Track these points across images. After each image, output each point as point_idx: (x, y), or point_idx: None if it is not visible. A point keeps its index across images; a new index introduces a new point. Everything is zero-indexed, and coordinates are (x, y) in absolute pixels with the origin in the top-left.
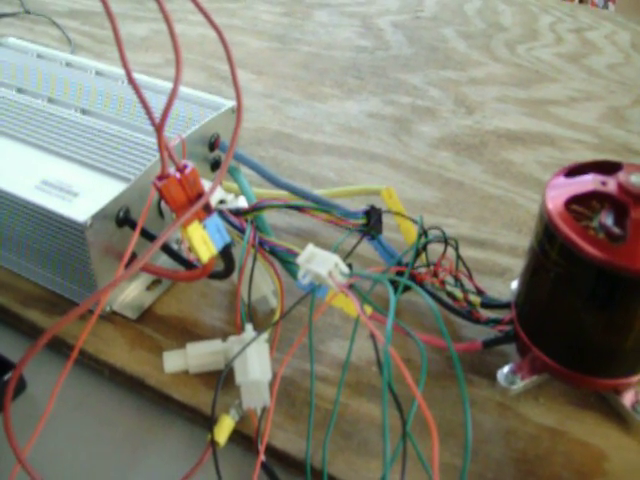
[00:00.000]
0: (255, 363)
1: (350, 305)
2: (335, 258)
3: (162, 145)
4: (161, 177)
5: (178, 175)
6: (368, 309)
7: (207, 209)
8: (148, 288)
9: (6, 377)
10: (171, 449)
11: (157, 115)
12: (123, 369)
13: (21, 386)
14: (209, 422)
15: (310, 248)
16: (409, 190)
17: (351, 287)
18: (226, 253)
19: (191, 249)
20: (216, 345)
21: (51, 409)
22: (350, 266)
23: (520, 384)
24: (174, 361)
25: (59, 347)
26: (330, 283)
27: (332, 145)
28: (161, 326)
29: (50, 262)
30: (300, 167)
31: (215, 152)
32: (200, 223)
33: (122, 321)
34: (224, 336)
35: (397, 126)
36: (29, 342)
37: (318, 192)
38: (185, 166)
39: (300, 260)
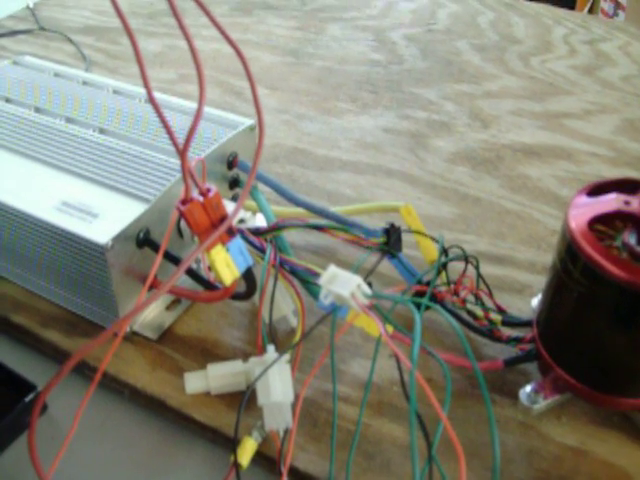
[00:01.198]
0: (277, 384)
1: (372, 325)
2: (357, 279)
3: (186, 169)
4: (184, 201)
5: (201, 199)
6: (389, 328)
7: (230, 232)
8: (168, 308)
9: (27, 399)
10: (193, 471)
11: (177, 136)
12: (144, 390)
13: (42, 408)
14: (231, 443)
15: (332, 269)
16: (426, 206)
17: (372, 307)
18: (248, 275)
19: (214, 272)
20: (237, 366)
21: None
22: (370, 285)
23: (542, 403)
24: (195, 382)
25: (80, 368)
26: (353, 304)
27: (348, 161)
28: (181, 346)
29: (70, 283)
30: (317, 183)
31: (233, 170)
32: (223, 246)
33: (142, 341)
34: (244, 356)
35: (413, 141)
36: (49, 363)
37: (335, 209)
38: (209, 190)
39: (322, 281)
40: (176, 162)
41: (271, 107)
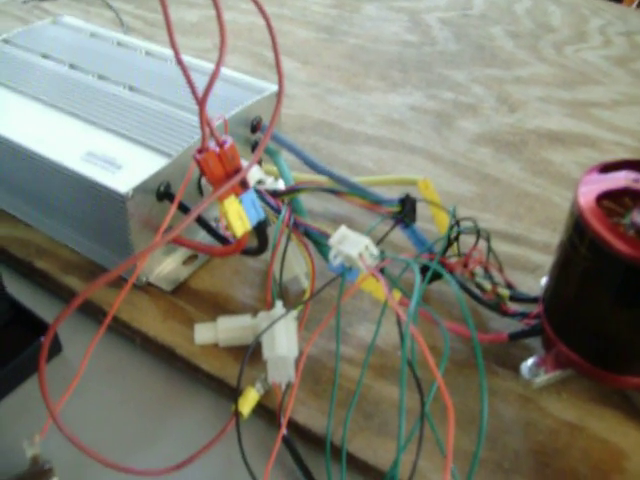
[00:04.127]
0: (283, 339)
1: (379, 289)
2: (366, 240)
3: (204, 119)
4: (201, 150)
5: (217, 149)
6: (397, 294)
7: (244, 185)
8: (184, 263)
9: (43, 338)
10: (197, 417)
11: (201, 93)
12: (155, 338)
13: (56, 348)
14: (235, 394)
15: (343, 230)
16: (446, 183)
17: (382, 272)
18: (260, 229)
19: (226, 223)
20: (246, 320)
21: (84, 371)
22: (382, 253)
23: (543, 377)
24: (204, 333)
25: (95, 314)
26: (360, 265)
27: (372, 136)
28: (194, 299)
29: (91, 231)
30: (340, 155)
31: (257, 135)
32: (236, 198)
33: (157, 292)
34: (254, 313)
35: (438, 120)
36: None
37: (356, 179)
38: (225, 142)
39: (332, 241)
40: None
41: (301, 80)
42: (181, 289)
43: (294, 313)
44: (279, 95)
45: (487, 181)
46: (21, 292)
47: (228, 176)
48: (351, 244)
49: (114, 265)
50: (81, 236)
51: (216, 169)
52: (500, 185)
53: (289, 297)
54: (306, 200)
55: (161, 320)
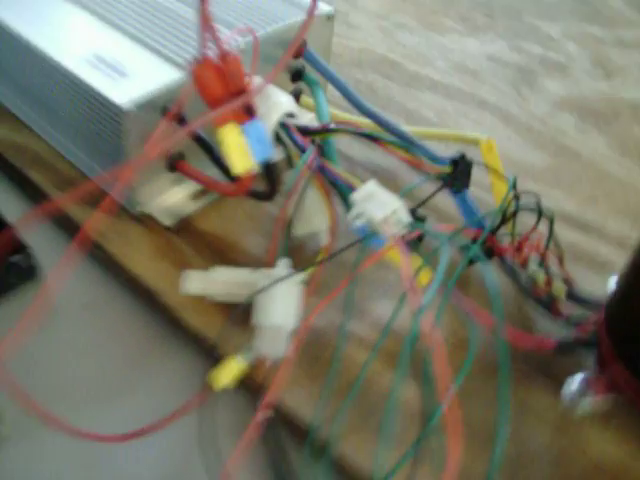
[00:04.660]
0: (279, 305)
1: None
2: (396, 203)
3: (206, 18)
4: (197, 61)
5: (217, 60)
6: (426, 275)
7: (248, 111)
8: (193, 197)
9: (13, 259)
10: (173, 378)
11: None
12: (139, 277)
13: (32, 270)
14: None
15: (371, 185)
16: (515, 148)
17: (415, 242)
18: (269, 170)
19: (224, 155)
20: (244, 275)
21: (57, 303)
22: (423, 219)
23: (591, 400)
24: (193, 282)
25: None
26: (382, 231)
27: (439, 82)
28: (195, 241)
29: (88, 145)
30: (398, 99)
31: (298, 60)
32: (238, 126)
33: (155, 226)
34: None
35: (519, 76)
36: (56, 230)
37: (407, 128)
38: (228, 53)
39: (356, 196)
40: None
41: (370, 10)
42: (183, 226)
43: (301, 276)
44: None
45: (564, 153)
46: (9, 205)
47: (230, 97)
48: (377, 204)
49: (111, 188)
50: (80, 150)
51: (213, 85)
52: (578, 160)
53: (303, 255)
54: (346, 145)
55: (152, 258)
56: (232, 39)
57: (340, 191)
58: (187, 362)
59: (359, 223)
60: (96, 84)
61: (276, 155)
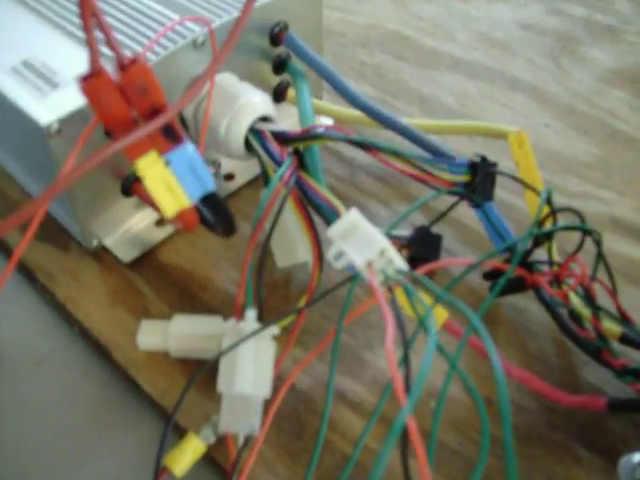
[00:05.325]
0: (247, 368)
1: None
2: (383, 243)
3: (86, 13)
4: (88, 75)
5: (115, 74)
6: (441, 314)
7: (170, 135)
8: (158, 223)
9: None
10: (130, 452)
11: None
12: (91, 330)
13: None
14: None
15: (352, 217)
16: (554, 138)
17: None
18: (214, 205)
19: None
20: (212, 325)
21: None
22: (438, 238)
23: None
24: (151, 336)
25: (33, 282)
26: (367, 279)
27: (462, 59)
28: (158, 279)
29: (29, 169)
30: (411, 83)
31: (280, 48)
32: (160, 157)
33: (112, 263)
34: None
35: (559, 45)
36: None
37: (414, 122)
38: (134, 60)
39: (332, 233)
40: (192, 26)
41: None
42: (145, 261)
43: (274, 330)
44: None
45: (615, 140)
46: None
47: (144, 119)
48: (359, 244)
49: (60, 218)
50: (23, 173)
51: (116, 107)
52: (635, 148)
53: (290, 290)
54: (344, 147)
55: (105, 305)
56: (187, 30)
57: (323, 214)
58: (148, 432)
59: (340, 265)
60: (18, 98)
61: (215, 184)
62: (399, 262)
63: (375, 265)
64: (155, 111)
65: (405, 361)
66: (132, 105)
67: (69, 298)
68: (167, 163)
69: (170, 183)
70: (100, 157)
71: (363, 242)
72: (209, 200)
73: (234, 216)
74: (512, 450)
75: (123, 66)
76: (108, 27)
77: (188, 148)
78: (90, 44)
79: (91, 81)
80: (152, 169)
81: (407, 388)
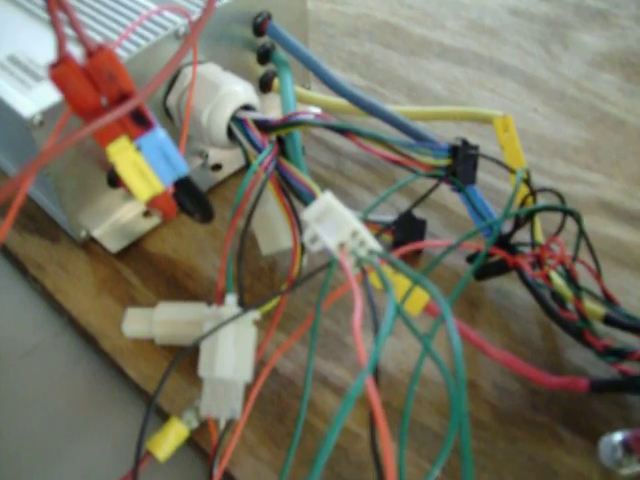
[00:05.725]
0: (228, 353)
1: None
2: (355, 224)
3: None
4: (56, 63)
5: (82, 60)
6: (421, 298)
7: (139, 120)
8: (146, 214)
9: None
10: (116, 439)
11: None
12: (78, 319)
13: None
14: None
15: (326, 199)
16: (542, 122)
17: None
18: (189, 191)
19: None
20: (196, 311)
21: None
22: (423, 222)
23: (635, 468)
24: (136, 323)
25: (23, 273)
26: (339, 259)
27: (450, 47)
28: (144, 268)
29: (18, 162)
30: (399, 71)
31: (264, 38)
32: (132, 143)
33: (100, 253)
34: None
35: (549, 31)
36: None
37: (403, 109)
38: (100, 47)
39: (307, 216)
40: (170, 16)
41: None
42: (132, 251)
43: (254, 314)
44: None
45: (605, 123)
46: None
47: (112, 104)
48: (332, 225)
49: (50, 210)
50: (12, 166)
51: (84, 94)
52: (624, 131)
53: (275, 277)
54: (332, 135)
55: (93, 295)
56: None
57: (304, 200)
58: (134, 417)
59: (315, 248)
60: (3, 93)
61: (188, 168)
62: (372, 243)
63: (347, 247)
64: (124, 97)
65: (377, 343)
66: (101, 92)
67: (58, 288)
68: (138, 148)
69: (142, 168)
70: (68, 142)
71: (336, 224)
72: (184, 185)
73: (210, 201)
74: (466, 423)
75: (90, 52)
76: (72, 10)
77: (159, 133)
78: (56, 29)
79: (58, 68)
80: (123, 154)
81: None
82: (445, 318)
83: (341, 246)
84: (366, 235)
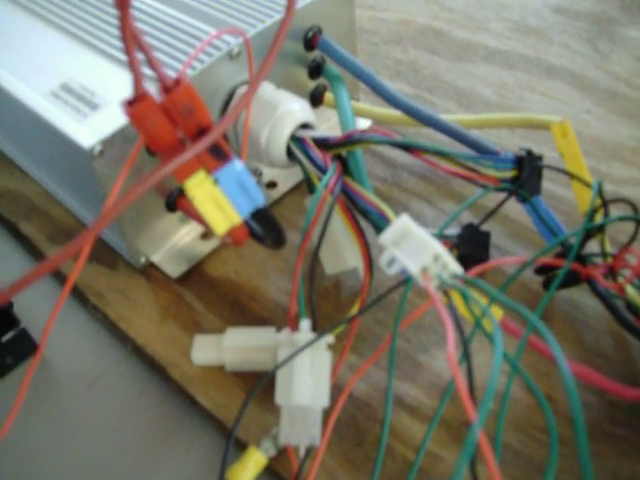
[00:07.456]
0: (305, 380)
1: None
2: (436, 247)
3: (127, 36)
4: (133, 100)
5: (160, 96)
6: (497, 312)
7: (218, 153)
8: (204, 236)
9: (5, 338)
10: (190, 468)
11: None
12: (144, 348)
13: (27, 347)
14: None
15: (403, 222)
16: (597, 124)
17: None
18: (264, 220)
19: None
20: (266, 337)
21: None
22: (487, 235)
23: None
24: (205, 351)
25: (84, 302)
26: (423, 286)
27: (496, 49)
28: (207, 292)
29: (73, 190)
30: (446, 77)
31: (314, 52)
32: (208, 176)
33: (161, 279)
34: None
35: (595, 28)
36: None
37: (454, 118)
38: (177, 81)
39: (385, 239)
40: (226, 38)
41: None
42: (193, 275)
43: (328, 339)
44: None
45: None
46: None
47: (190, 139)
48: (411, 249)
49: (108, 238)
50: (68, 195)
51: (162, 130)
52: None
53: (342, 297)
54: (384, 147)
55: (157, 321)
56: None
57: (372, 219)
58: (207, 446)
59: (392, 271)
60: (59, 122)
61: (265, 199)
62: (454, 266)
63: (430, 271)
64: (201, 130)
65: (468, 368)
66: (177, 126)
67: (121, 316)
68: (216, 181)
69: (220, 201)
70: (151, 182)
71: (416, 247)
72: (258, 213)
73: (283, 228)
74: (587, 452)
75: (167, 88)
76: (149, 48)
77: (236, 165)
78: (133, 68)
79: (136, 106)
80: (201, 188)
81: (472, 394)
82: (558, 362)
83: (424, 271)
84: (448, 258)
